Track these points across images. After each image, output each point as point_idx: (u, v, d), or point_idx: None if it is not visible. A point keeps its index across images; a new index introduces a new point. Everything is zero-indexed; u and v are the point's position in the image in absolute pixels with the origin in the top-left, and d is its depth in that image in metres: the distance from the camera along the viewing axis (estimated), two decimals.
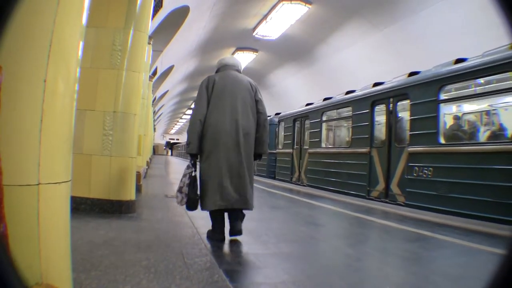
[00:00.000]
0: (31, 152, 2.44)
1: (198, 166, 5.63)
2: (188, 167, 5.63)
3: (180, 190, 5.51)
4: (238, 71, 5.92)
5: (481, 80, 9.45)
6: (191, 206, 5.53)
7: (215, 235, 5.60)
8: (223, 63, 5.89)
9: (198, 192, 5.57)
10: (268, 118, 22.55)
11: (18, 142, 2.37)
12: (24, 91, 2.41)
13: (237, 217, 5.59)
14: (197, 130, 5.46)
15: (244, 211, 5.73)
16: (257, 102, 5.73)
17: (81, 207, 6.53)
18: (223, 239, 5.57)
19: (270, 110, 29.02)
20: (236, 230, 5.56)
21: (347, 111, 14.85)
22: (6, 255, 1.29)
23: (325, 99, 16.80)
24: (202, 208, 5.56)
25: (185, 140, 5.15)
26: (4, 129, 1.92)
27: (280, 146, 21.18)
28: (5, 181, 2.06)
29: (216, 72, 5.90)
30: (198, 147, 5.50)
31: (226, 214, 5.69)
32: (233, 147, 5.45)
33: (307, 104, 18.65)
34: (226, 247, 5.43)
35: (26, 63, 2.41)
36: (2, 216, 1.87)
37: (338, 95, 15.74)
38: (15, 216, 2.09)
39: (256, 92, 5.75)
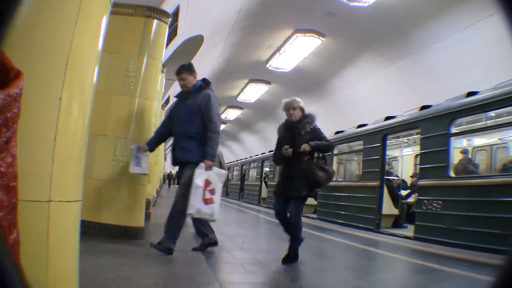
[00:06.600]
0: (43, 169, 2.46)
1: None
2: None
3: None
4: None
5: (492, 113, 9.43)
6: None
7: None
8: None
9: None
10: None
11: (31, 157, 2.39)
12: (40, 106, 2.43)
13: None
14: None
15: None
16: None
17: (90, 231, 6.49)
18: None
19: None
20: None
21: (358, 145, 14.83)
22: (17, 262, 1.29)
23: (337, 132, 16.73)
24: None
25: None
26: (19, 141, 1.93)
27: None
28: None
29: None
30: None
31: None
32: None
33: None
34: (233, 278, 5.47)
35: (43, 78, 2.44)
36: (15, 223, 1.88)
37: (350, 129, 15.69)
38: (24, 231, 2.08)
39: None
